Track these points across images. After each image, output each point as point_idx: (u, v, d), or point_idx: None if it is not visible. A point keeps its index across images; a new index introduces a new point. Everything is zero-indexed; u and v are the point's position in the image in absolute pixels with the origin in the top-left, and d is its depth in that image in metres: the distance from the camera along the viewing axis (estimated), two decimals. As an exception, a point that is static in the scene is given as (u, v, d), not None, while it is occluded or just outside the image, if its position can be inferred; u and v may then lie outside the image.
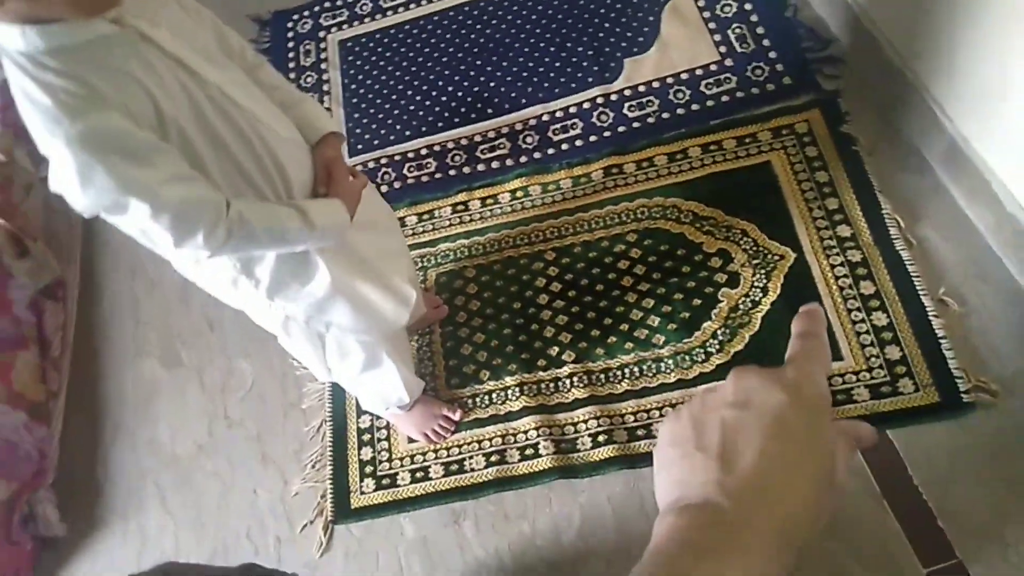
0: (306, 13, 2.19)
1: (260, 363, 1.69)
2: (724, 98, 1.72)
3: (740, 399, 0.43)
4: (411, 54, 2.03)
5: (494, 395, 1.52)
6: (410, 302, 1.20)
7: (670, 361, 1.46)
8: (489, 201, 1.75)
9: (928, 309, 1.38)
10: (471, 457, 1.48)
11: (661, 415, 1.41)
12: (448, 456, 1.49)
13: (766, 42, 1.77)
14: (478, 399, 1.53)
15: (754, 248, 1.52)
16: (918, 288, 1.40)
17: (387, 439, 1.54)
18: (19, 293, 1.78)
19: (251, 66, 0.99)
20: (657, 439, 0.46)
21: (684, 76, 1.78)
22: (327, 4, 2.19)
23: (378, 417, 1.55)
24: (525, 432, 1.47)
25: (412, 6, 2.11)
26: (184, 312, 1.81)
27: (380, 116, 1.95)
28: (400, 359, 1.33)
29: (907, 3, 1.44)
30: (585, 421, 1.45)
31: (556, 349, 1.53)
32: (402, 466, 1.51)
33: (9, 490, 1.53)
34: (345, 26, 2.15)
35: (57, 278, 1.88)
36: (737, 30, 1.80)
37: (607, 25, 1.90)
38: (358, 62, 2.06)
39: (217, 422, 1.65)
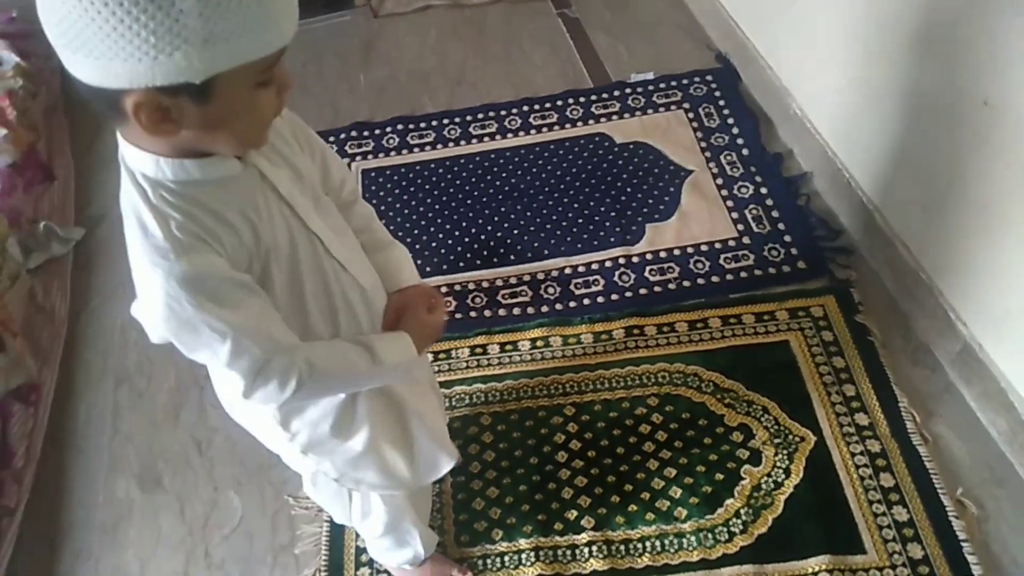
0: (331, 139, 2.23)
1: (251, 497, 1.57)
2: (743, 273, 1.80)
3: None
4: (436, 192, 2.07)
5: (506, 558, 1.44)
6: (446, 467, 1.15)
7: (692, 538, 1.42)
8: (508, 347, 1.73)
9: (948, 509, 1.39)
10: (480, 626, 1.38)
11: (683, 596, 1.36)
12: (455, 622, 1.39)
13: (781, 225, 1.87)
14: (489, 560, 1.44)
15: (775, 427, 1.54)
16: (937, 486, 1.42)
17: (388, 597, 1.43)
18: (-13, 391, 1.64)
19: (345, 203, 0.98)
20: None
21: (704, 248, 1.86)
22: (354, 133, 2.24)
23: (379, 571, 1.45)
24: (539, 603, 1.39)
25: (439, 146, 2.18)
26: (171, 430, 1.69)
27: (401, 249, 1.95)
28: (421, 517, 1.29)
29: (923, 212, 1.56)
30: (604, 596, 1.38)
31: (574, 513, 1.48)
32: (403, 630, 1.39)
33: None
34: (370, 156, 2.19)
35: (31, 380, 1.75)
36: (754, 211, 1.90)
37: (629, 190, 1.99)
38: (381, 192, 2.09)
39: (195, 561, 1.50)
